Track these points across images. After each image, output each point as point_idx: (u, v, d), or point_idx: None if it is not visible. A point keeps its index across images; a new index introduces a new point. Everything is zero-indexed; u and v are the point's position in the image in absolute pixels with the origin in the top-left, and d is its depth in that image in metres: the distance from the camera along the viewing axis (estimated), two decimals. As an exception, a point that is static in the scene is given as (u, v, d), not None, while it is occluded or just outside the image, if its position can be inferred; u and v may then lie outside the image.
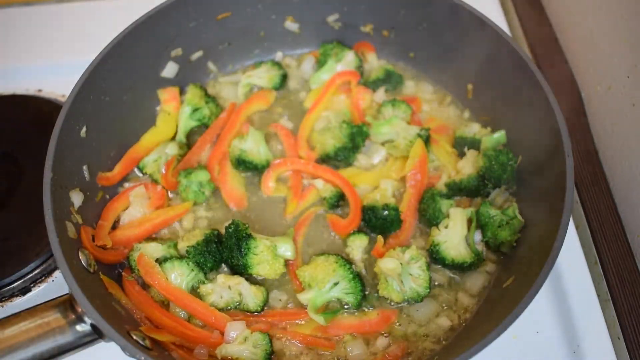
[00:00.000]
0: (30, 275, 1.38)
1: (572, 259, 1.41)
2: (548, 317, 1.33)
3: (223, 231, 1.35)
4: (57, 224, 1.13)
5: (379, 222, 1.36)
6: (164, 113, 1.55)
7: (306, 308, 1.27)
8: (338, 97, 1.60)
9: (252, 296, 1.26)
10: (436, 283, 1.33)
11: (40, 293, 1.39)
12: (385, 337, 1.26)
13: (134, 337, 1.09)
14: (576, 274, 1.39)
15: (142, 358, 1.00)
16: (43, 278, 1.40)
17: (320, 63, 1.67)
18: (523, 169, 1.40)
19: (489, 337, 1.00)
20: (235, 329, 1.21)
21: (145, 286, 1.29)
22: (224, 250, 1.31)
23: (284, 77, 1.66)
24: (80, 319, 1.06)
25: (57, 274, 1.41)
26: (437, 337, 1.26)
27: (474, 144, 1.48)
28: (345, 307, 1.29)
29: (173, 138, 1.54)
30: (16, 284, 1.37)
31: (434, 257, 1.33)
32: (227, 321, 1.23)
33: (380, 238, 1.35)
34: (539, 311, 1.33)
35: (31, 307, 1.08)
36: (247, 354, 1.17)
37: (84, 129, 1.31)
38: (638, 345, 1.32)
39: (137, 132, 1.51)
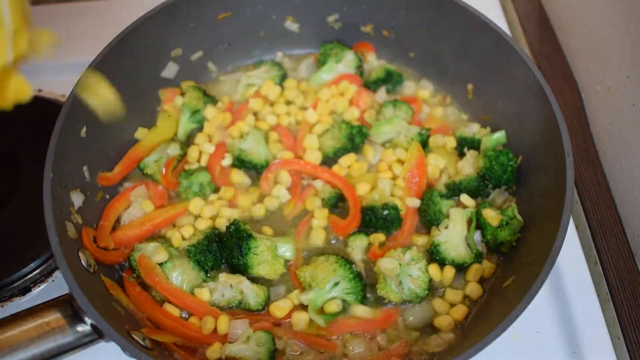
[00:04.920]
0: (30, 275, 1.38)
1: (572, 259, 1.41)
2: (548, 317, 1.33)
3: (224, 231, 1.35)
4: (57, 224, 1.13)
5: (379, 222, 1.36)
6: (164, 113, 1.56)
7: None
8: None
9: (253, 295, 1.26)
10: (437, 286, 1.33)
11: (40, 293, 1.39)
12: (386, 335, 1.26)
13: (134, 337, 1.09)
14: (576, 274, 1.39)
15: (143, 358, 1.00)
16: (43, 278, 1.40)
17: (320, 63, 1.67)
18: (523, 169, 1.40)
19: (489, 337, 1.00)
20: (238, 328, 1.21)
21: (146, 287, 1.29)
22: (224, 250, 1.31)
23: (284, 77, 1.66)
24: (80, 319, 1.06)
25: (57, 274, 1.41)
26: (437, 337, 1.25)
27: (474, 144, 1.48)
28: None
29: (174, 138, 1.54)
30: (16, 284, 1.37)
31: (434, 258, 1.33)
32: (230, 320, 1.23)
33: (376, 240, 1.35)
34: (539, 311, 1.33)
35: (31, 307, 1.08)
36: (250, 353, 1.17)
37: (84, 129, 1.31)
38: (638, 345, 1.32)
39: (137, 132, 1.51)
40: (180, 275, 1.27)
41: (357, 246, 1.36)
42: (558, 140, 1.22)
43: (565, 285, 1.37)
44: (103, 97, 1.14)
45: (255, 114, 1.59)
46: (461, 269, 1.32)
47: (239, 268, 1.29)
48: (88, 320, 1.06)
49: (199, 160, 1.50)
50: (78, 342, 1.06)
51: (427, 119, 1.59)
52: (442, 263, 1.32)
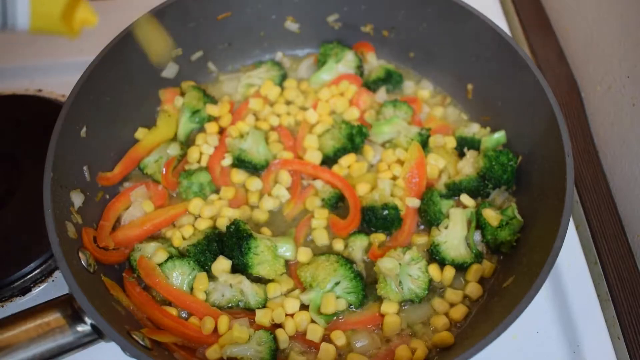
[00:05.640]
0: (30, 275, 1.38)
1: (572, 259, 1.41)
2: (548, 317, 1.33)
3: (224, 231, 1.35)
4: (57, 224, 1.13)
5: (379, 222, 1.36)
6: (164, 113, 1.55)
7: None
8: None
9: (253, 294, 1.26)
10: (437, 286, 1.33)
11: (40, 293, 1.39)
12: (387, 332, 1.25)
13: (134, 337, 1.09)
14: (576, 274, 1.39)
15: (143, 358, 1.00)
16: (43, 278, 1.40)
17: (320, 63, 1.67)
18: (523, 169, 1.40)
19: (489, 337, 1.00)
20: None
21: (146, 287, 1.28)
22: (224, 249, 1.31)
23: (284, 77, 1.66)
24: (80, 319, 1.06)
25: (57, 274, 1.41)
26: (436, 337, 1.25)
27: (474, 144, 1.48)
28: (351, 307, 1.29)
29: (174, 138, 1.54)
30: (16, 284, 1.37)
31: (434, 258, 1.33)
32: (230, 320, 1.22)
33: (376, 240, 1.35)
34: (539, 311, 1.33)
35: (31, 307, 1.08)
36: (252, 352, 1.17)
37: (84, 129, 1.31)
38: (638, 345, 1.32)
39: (137, 132, 1.51)
40: (180, 275, 1.27)
41: (357, 246, 1.36)
42: (558, 140, 1.22)
43: (565, 285, 1.37)
44: (155, 42, 1.15)
45: (255, 114, 1.59)
46: (461, 269, 1.32)
47: (239, 268, 1.29)
48: (88, 320, 1.06)
49: (199, 161, 1.50)
50: (78, 342, 1.06)
51: (427, 119, 1.59)
52: (442, 263, 1.32)
